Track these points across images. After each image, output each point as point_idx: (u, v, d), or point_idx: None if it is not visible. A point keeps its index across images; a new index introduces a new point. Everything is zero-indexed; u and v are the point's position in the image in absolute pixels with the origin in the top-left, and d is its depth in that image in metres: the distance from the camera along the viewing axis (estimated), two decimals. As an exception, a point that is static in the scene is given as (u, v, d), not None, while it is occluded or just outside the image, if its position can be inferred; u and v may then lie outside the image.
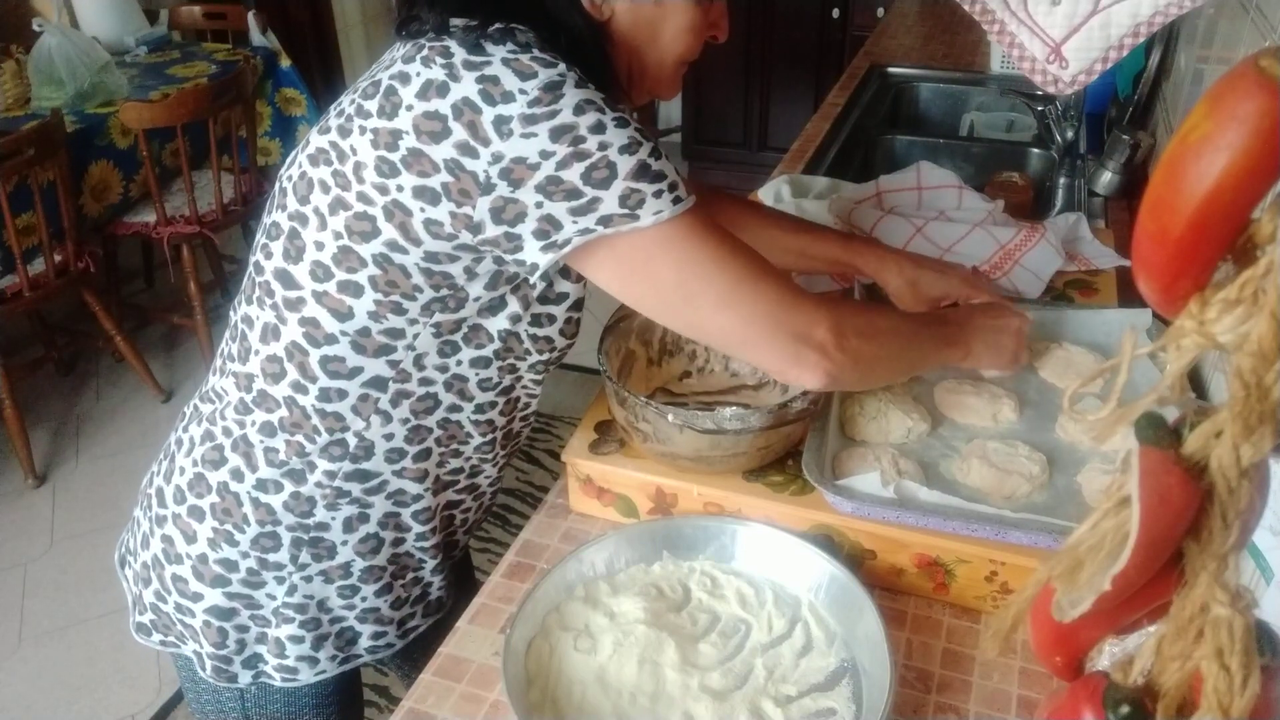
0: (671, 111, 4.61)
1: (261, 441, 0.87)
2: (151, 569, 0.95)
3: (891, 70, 2.39)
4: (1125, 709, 0.51)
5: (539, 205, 0.72)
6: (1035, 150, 1.94)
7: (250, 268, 0.87)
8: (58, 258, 2.57)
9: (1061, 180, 1.81)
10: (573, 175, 0.71)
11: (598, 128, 0.72)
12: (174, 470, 0.93)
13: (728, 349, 0.87)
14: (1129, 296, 1.28)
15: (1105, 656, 0.69)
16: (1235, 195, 0.38)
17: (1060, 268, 1.32)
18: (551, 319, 0.87)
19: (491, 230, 0.74)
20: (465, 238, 0.75)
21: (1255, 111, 0.37)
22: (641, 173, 0.73)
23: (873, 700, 0.77)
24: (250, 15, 3.31)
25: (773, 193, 1.57)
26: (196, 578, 0.91)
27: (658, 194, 0.73)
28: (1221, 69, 1.22)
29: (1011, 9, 0.96)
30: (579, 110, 0.72)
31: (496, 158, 0.71)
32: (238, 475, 0.88)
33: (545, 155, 0.71)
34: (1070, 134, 1.85)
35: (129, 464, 2.76)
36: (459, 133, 0.72)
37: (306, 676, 0.95)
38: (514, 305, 0.84)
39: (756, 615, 0.87)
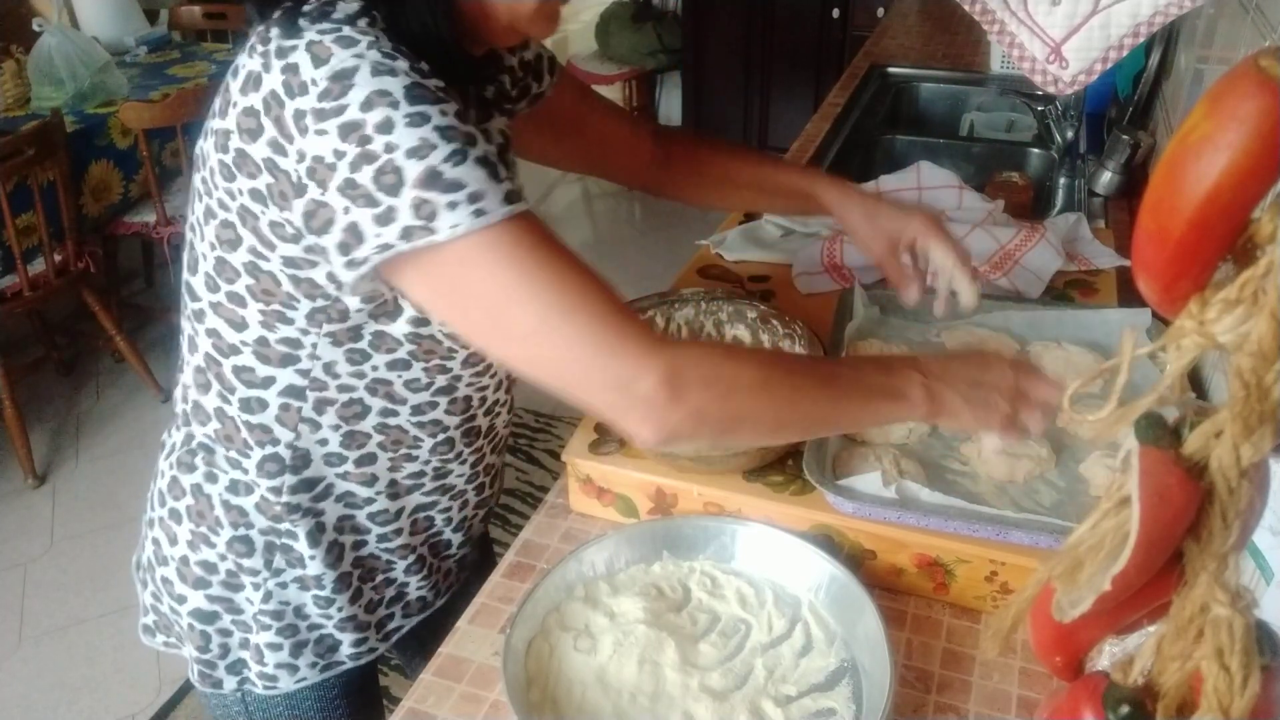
0: (671, 111, 4.61)
1: (215, 451, 0.87)
2: (147, 571, 0.95)
3: (891, 70, 2.39)
4: (1125, 709, 0.51)
5: (345, 211, 0.66)
6: (1035, 150, 1.94)
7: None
8: (58, 258, 2.57)
9: (1061, 180, 1.81)
10: (365, 179, 0.65)
11: (384, 126, 0.64)
12: (157, 473, 0.93)
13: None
14: (1129, 296, 1.28)
15: (1105, 656, 0.69)
16: (1235, 195, 0.38)
17: (1060, 268, 1.32)
18: None
19: (307, 239, 0.69)
20: (308, 239, 0.70)
21: (1255, 111, 0.37)
22: (431, 180, 0.64)
23: (873, 700, 0.77)
24: (250, 15, 3.31)
25: (773, 193, 1.57)
26: (180, 579, 0.91)
27: (452, 205, 0.65)
28: (1221, 69, 1.22)
29: (1011, 9, 0.96)
30: (366, 105, 0.64)
31: (301, 155, 0.66)
32: (211, 478, 0.87)
33: (338, 155, 0.65)
34: (1070, 134, 1.85)
35: (129, 464, 2.76)
36: (269, 129, 0.67)
37: (286, 684, 0.93)
38: (410, 309, 0.78)
39: (756, 615, 0.87)
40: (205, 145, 0.75)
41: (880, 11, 3.64)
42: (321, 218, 0.68)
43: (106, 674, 2.13)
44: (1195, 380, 1.11)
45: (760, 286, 1.33)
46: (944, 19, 2.80)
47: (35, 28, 2.79)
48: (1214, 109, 0.38)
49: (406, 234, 0.66)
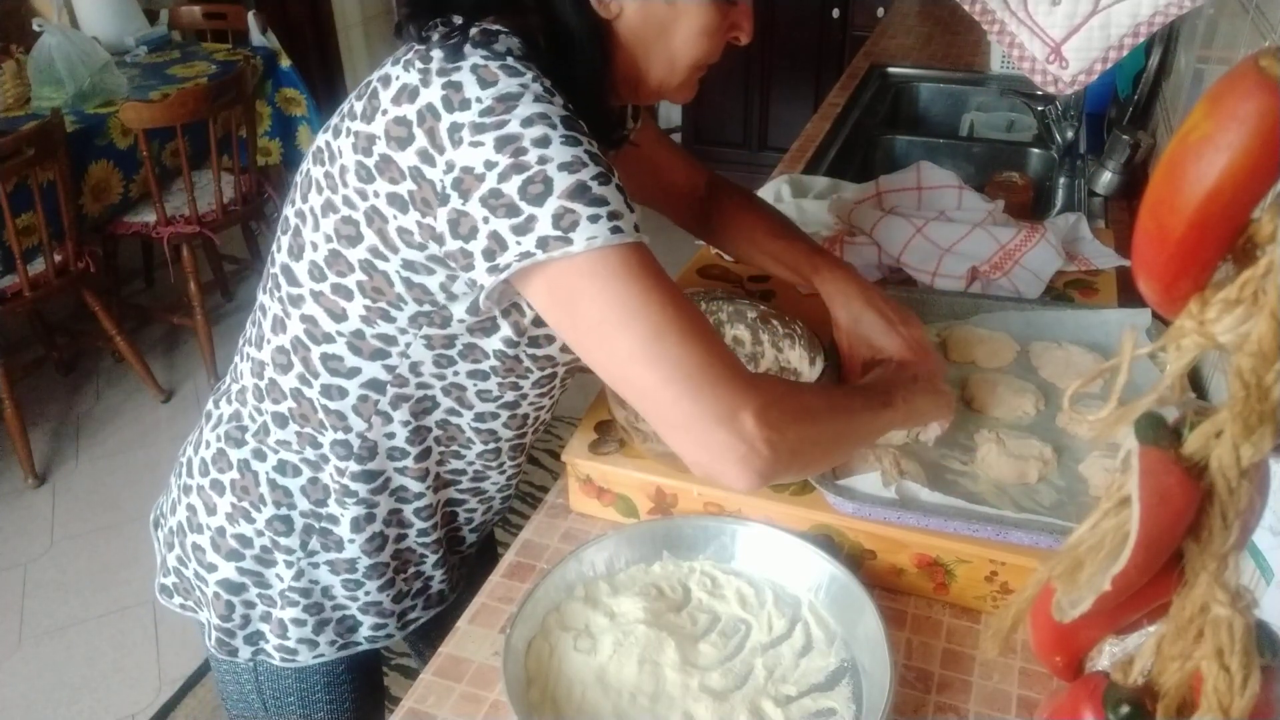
0: (672, 111, 4.60)
1: (277, 430, 0.89)
2: (175, 534, 0.98)
3: (891, 70, 2.39)
4: (1125, 709, 0.51)
5: (485, 220, 0.70)
6: (1035, 150, 1.94)
7: (269, 257, 0.89)
8: (58, 258, 2.57)
9: (1061, 180, 1.81)
10: (511, 188, 0.68)
11: (542, 141, 0.69)
12: (201, 442, 0.96)
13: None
14: (1129, 296, 1.28)
15: (1105, 656, 0.69)
16: (1235, 195, 0.38)
17: (1060, 268, 1.32)
18: (551, 339, 0.85)
19: (450, 244, 0.73)
20: (434, 249, 0.74)
21: (1255, 111, 0.37)
22: (579, 193, 0.69)
23: (873, 700, 0.77)
24: (250, 15, 3.31)
25: (773, 193, 1.57)
26: (214, 549, 0.94)
27: (594, 219, 0.69)
28: (1221, 69, 1.22)
29: (1011, 9, 0.96)
30: (527, 122, 0.69)
31: (449, 166, 0.70)
32: (259, 455, 0.91)
33: (489, 165, 0.69)
34: (1070, 134, 1.85)
35: (129, 464, 2.76)
36: (420, 139, 0.71)
37: (305, 658, 0.97)
38: (506, 329, 0.82)
39: (756, 615, 0.87)
40: (336, 142, 0.77)
41: (880, 11, 3.64)
42: (465, 225, 0.71)
43: (106, 674, 2.13)
44: (1195, 380, 1.11)
45: (760, 286, 1.33)
46: (944, 19, 2.80)
47: (35, 28, 2.79)
48: (1214, 109, 0.38)
49: (543, 244, 0.69)
